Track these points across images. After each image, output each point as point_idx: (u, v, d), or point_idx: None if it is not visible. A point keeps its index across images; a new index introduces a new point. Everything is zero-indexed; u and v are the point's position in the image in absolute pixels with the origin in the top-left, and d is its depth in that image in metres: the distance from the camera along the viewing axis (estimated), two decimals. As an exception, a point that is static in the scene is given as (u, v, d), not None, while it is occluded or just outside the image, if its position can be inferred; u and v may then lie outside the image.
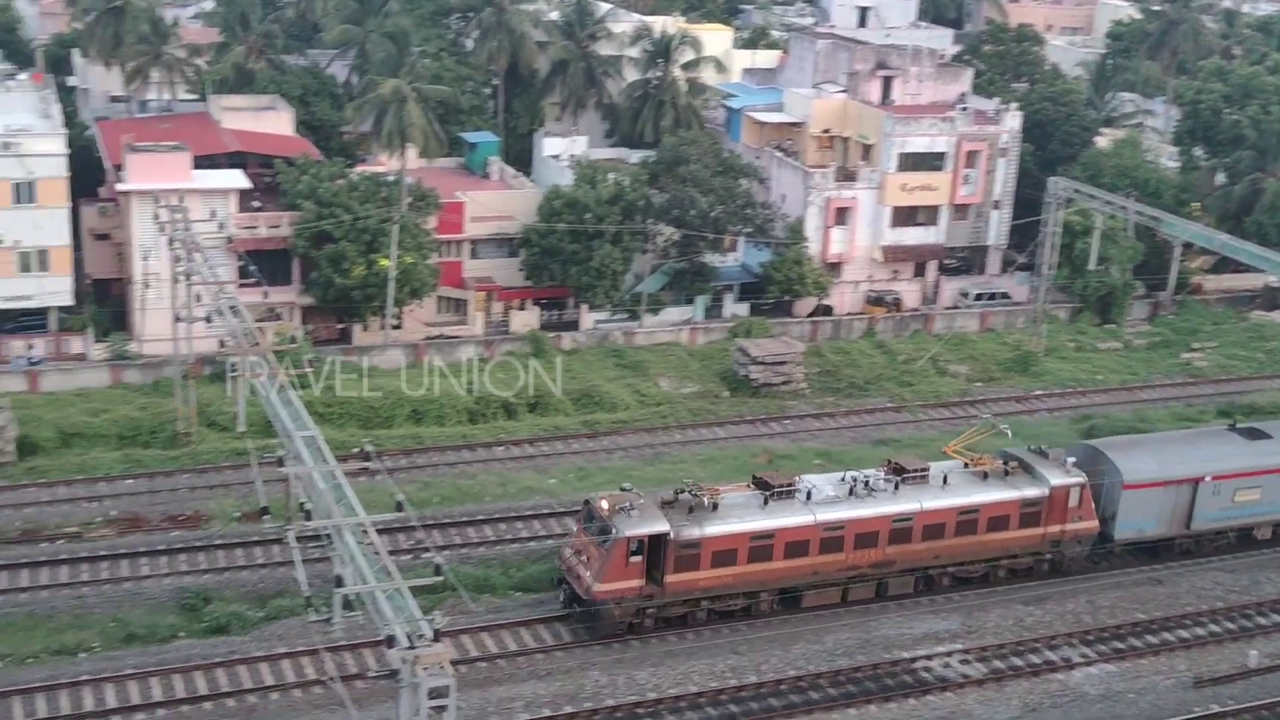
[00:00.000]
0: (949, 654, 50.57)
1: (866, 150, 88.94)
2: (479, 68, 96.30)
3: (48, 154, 72.44)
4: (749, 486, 52.03)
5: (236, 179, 76.04)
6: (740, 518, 50.07)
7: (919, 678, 49.04)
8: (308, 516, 38.88)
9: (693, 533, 48.96)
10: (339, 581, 36.09)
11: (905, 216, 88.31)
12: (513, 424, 69.97)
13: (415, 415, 69.31)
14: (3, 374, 69.67)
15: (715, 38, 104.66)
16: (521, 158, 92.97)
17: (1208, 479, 57.37)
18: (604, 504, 49.42)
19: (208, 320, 57.21)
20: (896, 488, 52.61)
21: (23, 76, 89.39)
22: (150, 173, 72.61)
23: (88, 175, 79.51)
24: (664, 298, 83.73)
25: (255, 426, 57.60)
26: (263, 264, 71.16)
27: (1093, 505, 55.53)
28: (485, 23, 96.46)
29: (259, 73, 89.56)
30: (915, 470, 53.36)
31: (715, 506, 50.09)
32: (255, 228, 75.81)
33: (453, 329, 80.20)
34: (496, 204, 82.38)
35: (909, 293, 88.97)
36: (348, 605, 36.15)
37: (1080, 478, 55.06)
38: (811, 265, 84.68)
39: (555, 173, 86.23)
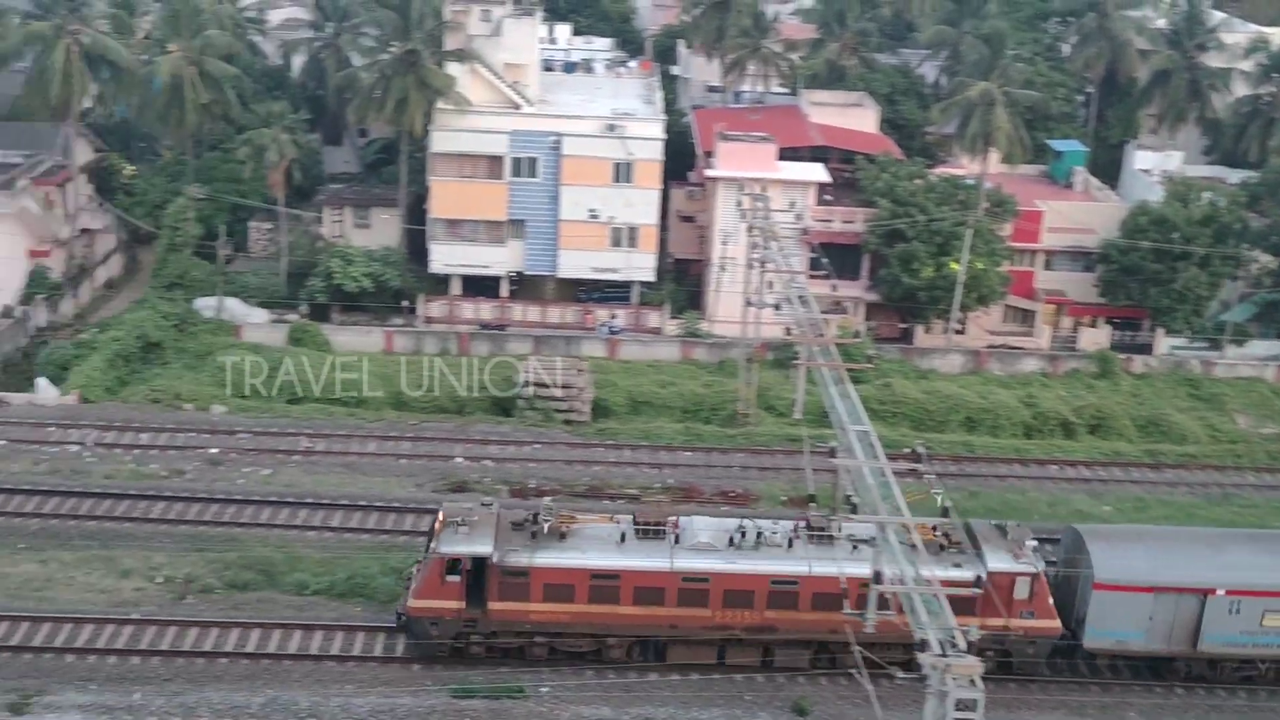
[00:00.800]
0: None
1: None
2: (1073, 74, 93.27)
3: (647, 138, 76.73)
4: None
5: (818, 172, 77.54)
6: (583, 551, 44.59)
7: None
8: (853, 510, 38.79)
9: (520, 560, 44.14)
10: (877, 578, 35.95)
11: None
12: (1070, 444, 67.39)
13: (969, 423, 68.17)
14: (587, 339, 74.80)
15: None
16: (1108, 169, 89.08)
17: (1221, 592, 46.14)
18: (441, 515, 45.55)
19: (776, 307, 58.78)
20: (790, 544, 45.14)
21: (632, 64, 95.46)
22: (738, 161, 75.40)
23: (680, 160, 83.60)
24: (1251, 329, 77.82)
25: (811, 415, 58.66)
26: (834, 257, 72.12)
27: (1048, 601, 45.58)
28: (1086, 28, 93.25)
29: (850, 70, 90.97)
30: (822, 527, 45.45)
31: (562, 535, 44.94)
32: (830, 221, 77.01)
33: (1017, 340, 78.20)
34: (1077, 216, 79.40)
35: None
36: (882, 603, 36.00)
37: (1031, 566, 45.14)
38: None
39: (1144, 188, 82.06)
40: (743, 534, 45.28)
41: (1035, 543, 46.29)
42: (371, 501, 56.03)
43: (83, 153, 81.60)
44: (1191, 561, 47.00)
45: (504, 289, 78.60)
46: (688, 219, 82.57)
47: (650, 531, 45.26)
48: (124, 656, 44.55)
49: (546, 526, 44.98)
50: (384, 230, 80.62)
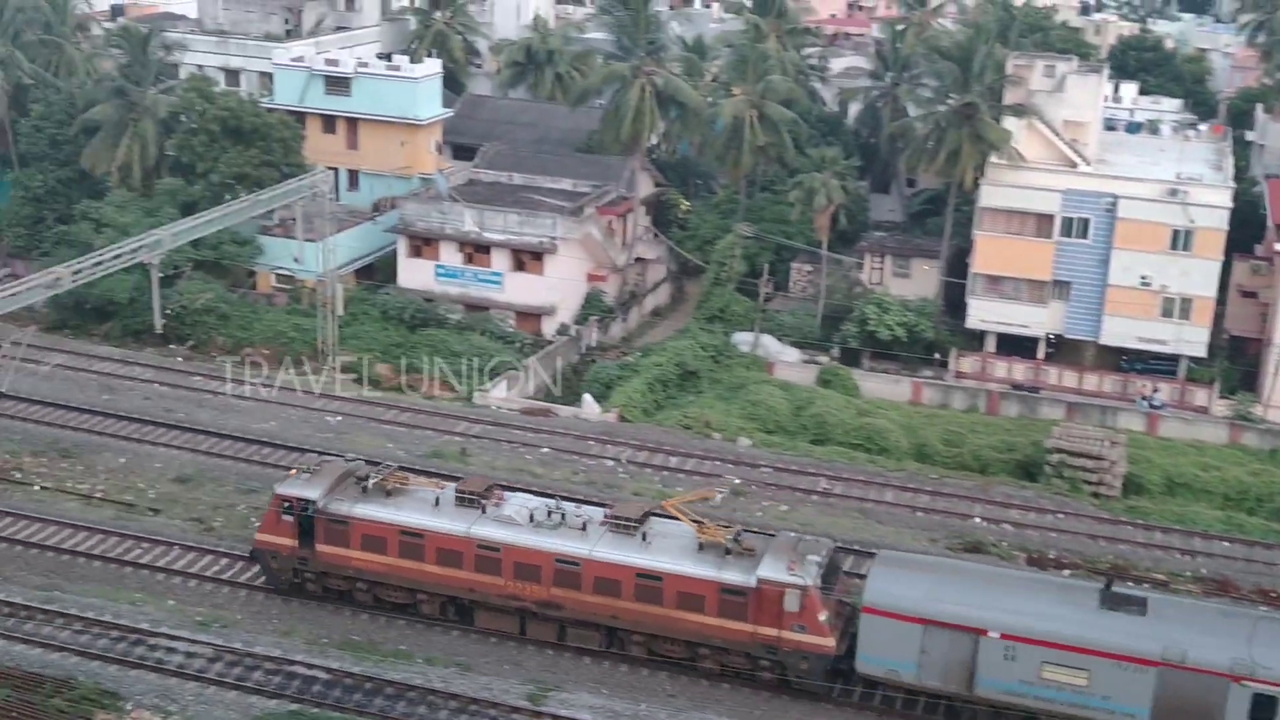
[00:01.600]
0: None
1: None
2: None
3: (1211, 205, 72.29)
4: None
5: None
6: (398, 509, 48.15)
7: None
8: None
9: (341, 509, 48.25)
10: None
11: None
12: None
13: None
14: (1125, 411, 71.16)
15: None
16: None
17: (993, 634, 42.25)
18: (300, 463, 51.21)
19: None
20: (585, 529, 46.58)
21: (1203, 127, 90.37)
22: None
23: (1247, 231, 78.21)
24: None
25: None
26: None
27: (819, 616, 43.80)
28: None
29: None
30: (626, 518, 46.47)
31: (388, 493, 48.68)
32: None
33: None
34: None
35: None
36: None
37: (803, 579, 43.91)
38: None
39: None
40: (548, 513, 47.43)
41: (820, 559, 44.88)
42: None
43: (645, 186, 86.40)
44: (968, 597, 43.62)
45: (1040, 350, 76.28)
46: (1249, 294, 76.99)
47: (467, 500, 48.06)
48: (634, 667, 46.57)
49: (373, 483, 49.00)
50: (922, 281, 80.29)
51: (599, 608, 46.33)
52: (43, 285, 57.42)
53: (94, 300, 73.42)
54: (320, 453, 57.77)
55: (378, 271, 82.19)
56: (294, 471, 50.30)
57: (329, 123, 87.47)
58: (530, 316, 78.36)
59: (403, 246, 79.55)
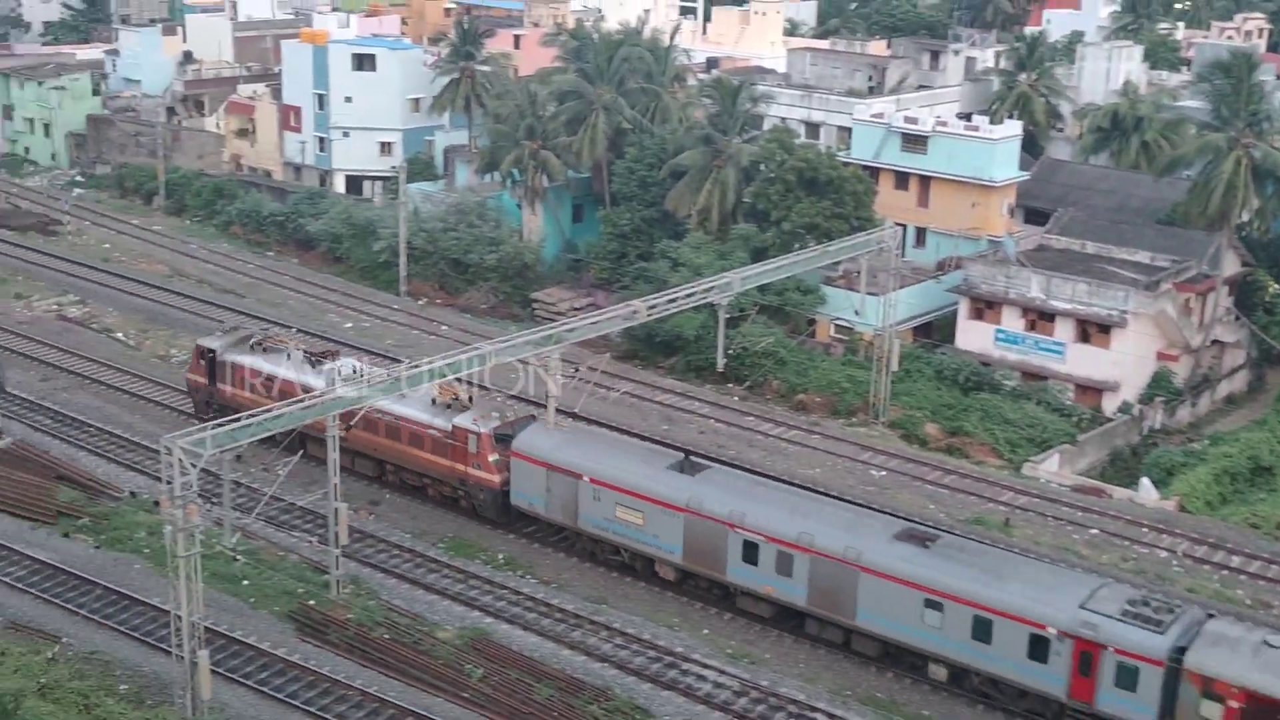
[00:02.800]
0: None
1: None
2: None
3: None
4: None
5: None
6: (264, 361, 63.29)
7: None
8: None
9: (228, 357, 64.12)
10: None
11: None
12: None
13: None
14: None
15: None
16: None
17: (586, 479, 54.20)
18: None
19: None
20: (361, 377, 54.90)
21: None
22: None
23: None
24: None
25: None
26: None
27: (489, 458, 56.86)
28: None
29: None
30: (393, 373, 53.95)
31: (265, 350, 64.03)
32: None
33: None
34: None
35: None
36: None
37: (481, 428, 57.07)
38: None
39: None
40: (354, 370, 59.53)
41: (504, 416, 58.72)
42: None
43: (1230, 265, 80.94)
44: (579, 451, 55.08)
45: None
46: None
47: (309, 358, 63.04)
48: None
49: (253, 342, 64.99)
50: None
51: (369, 443, 60.46)
52: (621, 316, 60.99)
53: (663, 334, 77.28)
54: (858, 503, 57.91)
55: (936, 330, 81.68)
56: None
57: (902, 179, 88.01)
58: (1091, 391, 75.16)
59: (964, 307, 78.60)
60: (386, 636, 49.68)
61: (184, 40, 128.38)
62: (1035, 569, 48.26)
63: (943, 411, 72.68)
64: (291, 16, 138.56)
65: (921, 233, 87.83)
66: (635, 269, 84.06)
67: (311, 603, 51.75)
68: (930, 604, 46.56)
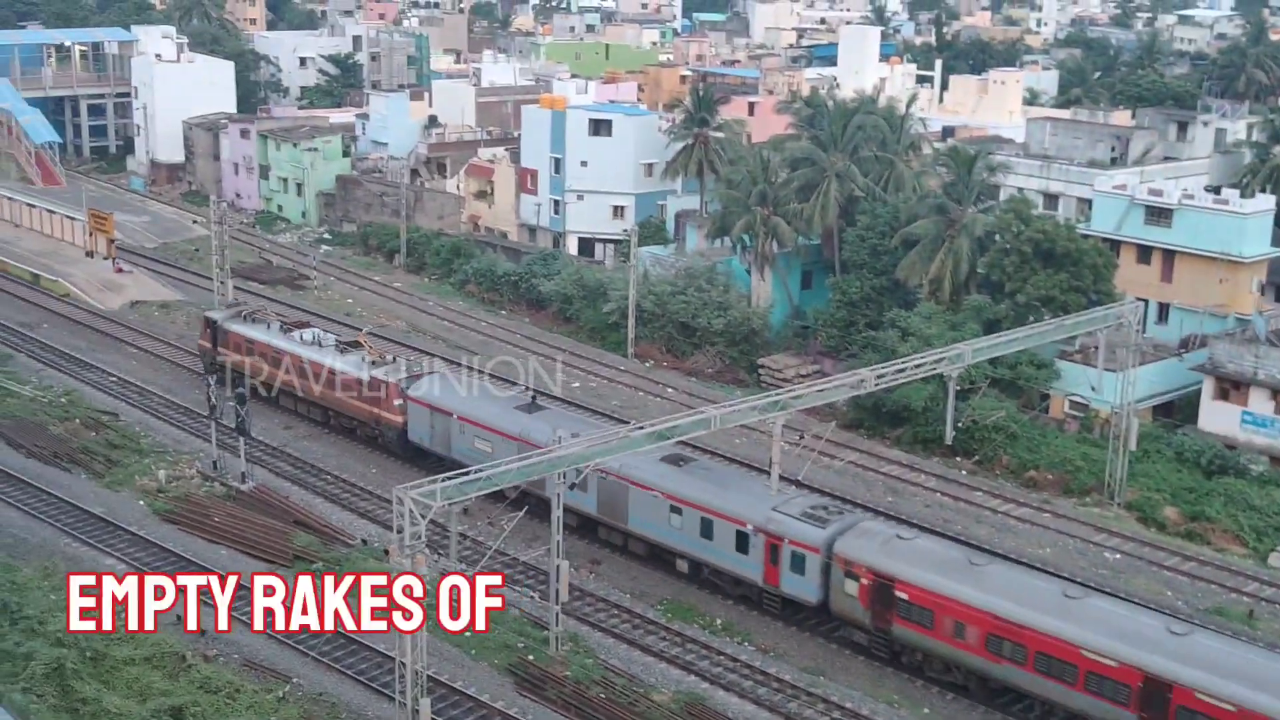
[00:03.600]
0: None
1: None
2: None
3: None
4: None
5: None
6: (251, 329, 78.67)
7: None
8: None
9: (226, 326, 79.51)
10: None
11: None
12: None
13: None
14: None
15: None
16: None
17: (455, 416, 67.17)
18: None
19: None
20: (321, 346, 75.94)
21: None
22: None
23: None
24: None
25: None
26: None
27: (395, 402, 70.35)
28: None
29: None
30: (345, 343, 76.56)
31: (255, 320, 79.72)
32: None
33: None
34: None
35: None
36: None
37: (390, 379, 70.91)
38: None
39: None
40: (314, 338, 76.96)
41: (412, 369, 72.33)
42: None
43: None
44: (453, 395, 68.73)
45: None
46: None
47: (285, 327, 78.32)
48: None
49: (246, 314, 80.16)
50: None
51: (316, 393, 74.54)
52: (848, 385, 60.36)
53: (890, 405, 76.12)
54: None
55: (1177, 410, 78.41)
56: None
57: (1144, 253, 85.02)
58: (1345, 479, 71.08)
59: (1208, 387, 75.25)
60: (603, 696, 49.84)
61: (430, 105, 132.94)
62: (754, 482, 61.20)
63: (1183, 495, 69.59)
64: (532, 83, 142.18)
65: (1164, 309, 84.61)
66: (864, 337, 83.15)
67: (530, 657, 52.29)
68: (674, 509, 58.76)
